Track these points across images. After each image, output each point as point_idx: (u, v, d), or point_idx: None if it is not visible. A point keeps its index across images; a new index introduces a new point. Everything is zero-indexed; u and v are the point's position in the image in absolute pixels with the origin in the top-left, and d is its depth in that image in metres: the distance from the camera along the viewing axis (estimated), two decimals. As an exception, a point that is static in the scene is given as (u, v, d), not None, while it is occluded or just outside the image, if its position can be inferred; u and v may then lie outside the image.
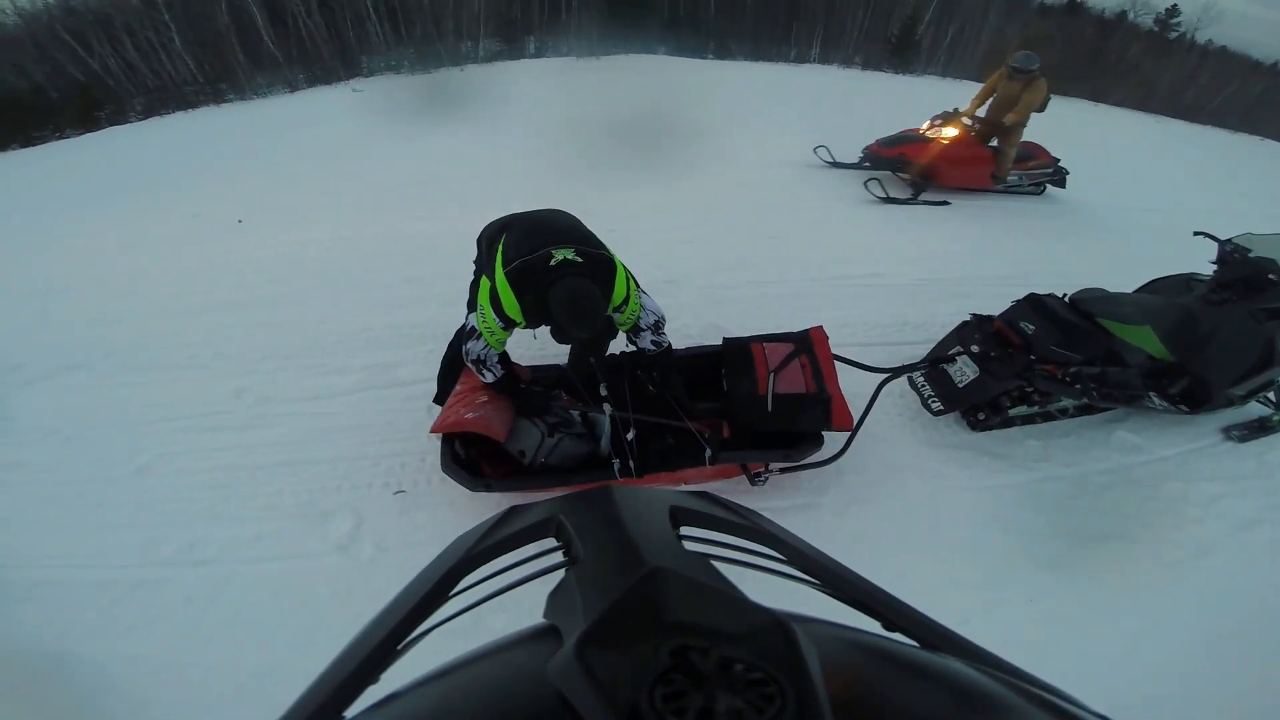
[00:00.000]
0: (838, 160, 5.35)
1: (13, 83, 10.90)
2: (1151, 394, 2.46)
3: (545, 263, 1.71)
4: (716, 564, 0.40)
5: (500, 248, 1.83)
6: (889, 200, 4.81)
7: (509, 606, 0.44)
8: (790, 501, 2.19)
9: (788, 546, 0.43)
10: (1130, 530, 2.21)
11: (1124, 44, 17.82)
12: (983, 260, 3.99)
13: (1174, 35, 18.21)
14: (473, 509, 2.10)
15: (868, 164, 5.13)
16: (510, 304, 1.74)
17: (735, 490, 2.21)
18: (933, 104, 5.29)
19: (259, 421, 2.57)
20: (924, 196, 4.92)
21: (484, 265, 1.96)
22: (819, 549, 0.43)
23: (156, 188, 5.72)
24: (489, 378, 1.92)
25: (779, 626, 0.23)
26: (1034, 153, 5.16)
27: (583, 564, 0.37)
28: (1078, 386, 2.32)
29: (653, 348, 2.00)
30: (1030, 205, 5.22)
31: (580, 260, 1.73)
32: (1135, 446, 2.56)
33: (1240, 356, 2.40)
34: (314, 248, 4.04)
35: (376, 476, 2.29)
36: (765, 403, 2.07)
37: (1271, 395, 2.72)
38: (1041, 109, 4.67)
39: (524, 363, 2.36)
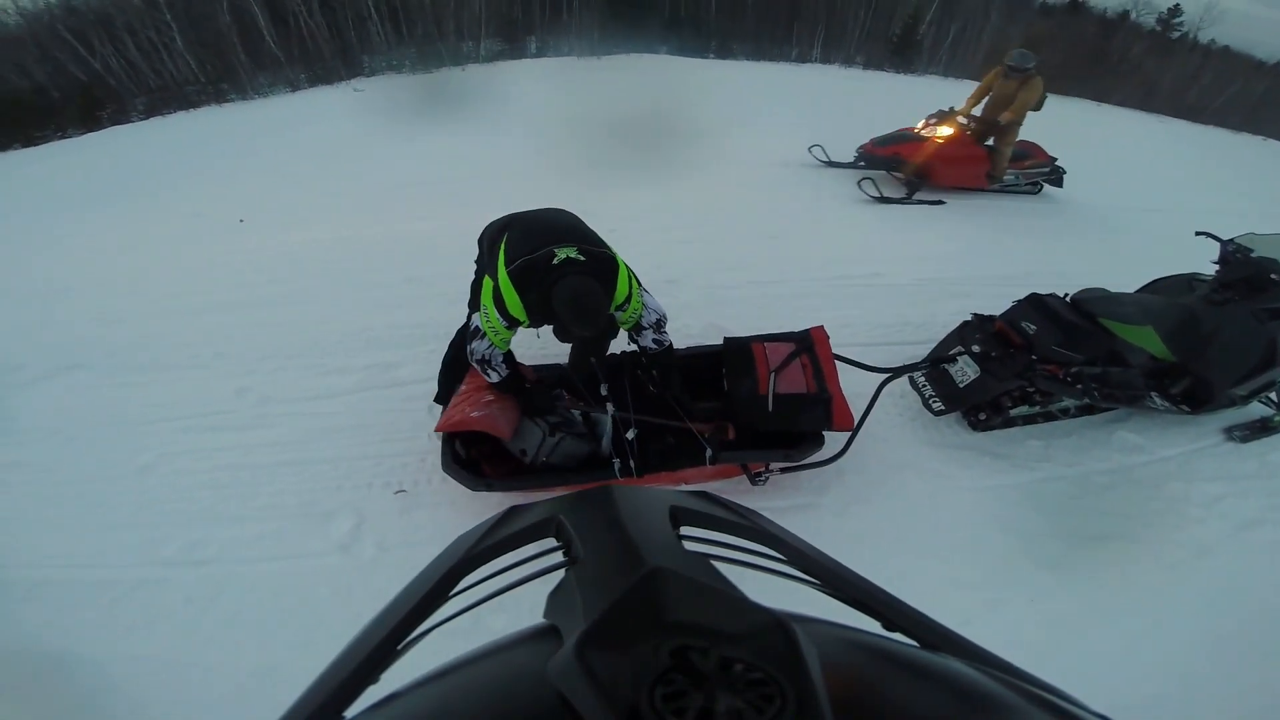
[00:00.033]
0: (833, 159, 5.34)
1: (14, 82, 10.87)
2: (1153, 394, 2.45)
3: (548, 261, 1.71)
4: (716, 564, 0.40)
5: (502, 247, 1.83)
6: (883, 200, 4.80)
7: (509, 606, 0.44)
8: (790, 501, 2.19)
9: (788, 546, 0.43)
10: (1131, 530, 2.21)
11: (1126, 44, 17.78)
12: (983, 260, 3.99)
13: (1176, 35, 18.18)
14: (473, 509, 2.10)
15: (863, 163, 5.11)
16: (513, 303, 1.74)
17: (735, 490, 2.20)
18: (934, 104, 5.28)
19: (260, 421, 2.58)
20: (919, 196, 4.90)
21: (486, 265, 1.96)
22: (819, 549, 0.43)
23: (158, 187, 5.72)
24: (494, 377, 1.91)
25: (779, 626, 0.23)
26: (1030, 152, 5.13)
27: (583, 564, 0.37)
28: (1079, 386, 2.32)
29: (654, 346, 2.00)
30: (1029, 205, 5.21)
31: (583, 259, 1.73)
32: (1137, 447, 2.56)
33: (1242, 357, 2.40)
34: (315, 247, 4.04)
35: (377, 476, 2.29)
36: (766, 402, 2.06)
37: (1273, 395, 2.71)
38: (1038, 108, 4.64)
39: (524, 362, 2.36)
